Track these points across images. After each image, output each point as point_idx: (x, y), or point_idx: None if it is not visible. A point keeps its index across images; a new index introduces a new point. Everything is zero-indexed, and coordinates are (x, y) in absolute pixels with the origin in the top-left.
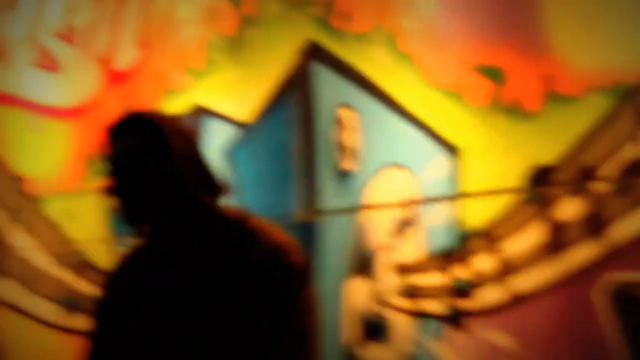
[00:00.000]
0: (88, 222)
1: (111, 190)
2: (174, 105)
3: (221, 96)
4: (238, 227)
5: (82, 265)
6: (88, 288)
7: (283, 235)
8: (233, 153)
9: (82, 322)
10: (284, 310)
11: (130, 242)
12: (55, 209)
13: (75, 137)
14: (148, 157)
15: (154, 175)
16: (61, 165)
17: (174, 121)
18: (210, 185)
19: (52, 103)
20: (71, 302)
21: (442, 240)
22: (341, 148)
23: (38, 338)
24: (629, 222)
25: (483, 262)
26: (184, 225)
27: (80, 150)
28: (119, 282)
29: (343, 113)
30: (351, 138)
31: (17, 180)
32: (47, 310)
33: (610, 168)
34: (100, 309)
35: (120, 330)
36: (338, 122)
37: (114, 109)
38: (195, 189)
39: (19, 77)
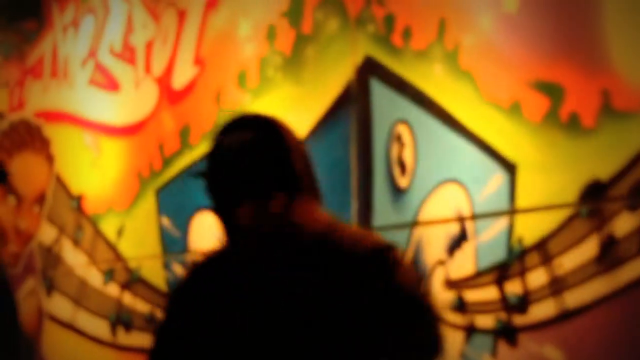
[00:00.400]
0: (141, 239)
1: (211, 186)
2: None
3: (277, 113)
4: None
5: (134, 282)
6: (140, 305)
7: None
8: None
9: (133, 339)
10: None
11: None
12: (108, 226)
13: (130, 155)
14: (265, 150)
15: (268, 170)
16: (115, 182)
17: (285, 124)
18: (317, 189)
19: (109, 121)
20: (123, 319)
21: (497, 256)
22: (398, 164)
23: (89, 355)
24: None
25: (537, 277)
26: (276, 232)
27: (135, 168)
28: (194, 295)
29: (400, 129)
30: (408, 154)
31: (73, 197)
32: (99, 327)
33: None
34: (176, 326)
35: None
36: (395, 139)
37: (170, 128)
38: (307, 189)
39: (78, 96)
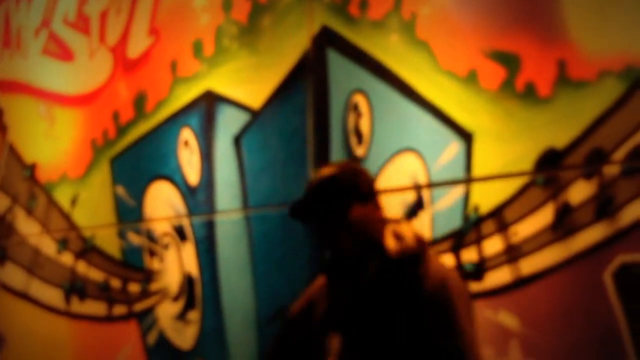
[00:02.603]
0: (95, 208)
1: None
2: (186, 92)
3: (233, 83)
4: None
5: (89, 251)
6: (94, 274)
7: (442, 267)
8: (244, 139)
9: (87, 307)
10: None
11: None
12: (62, 195)
13: (84, 124)
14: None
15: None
16: (69, 151)
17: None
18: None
19: (63, 91)
20: (77, 288)
21: (453, 224)
22: (355, 134)
23: (43, 324)
24: (638, 205)
25: (493, 245)
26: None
27: (89, 136)
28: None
29: (357, 99)
30: (365, 124)
31: (26, 166)
32: (53, 296)
33: (622, 152)
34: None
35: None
36: (352, 108)
37: (125, 97)
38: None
39: (31, 66)
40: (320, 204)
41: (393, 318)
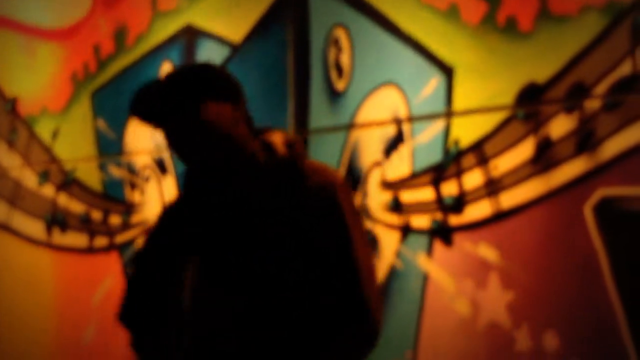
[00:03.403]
0: (76, 142)
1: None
2: (166, 26)
3: (214, 17)
4: (289, 168)
5: (70, 184)
6: (75, 206)
7: (327, 172)
8: None
9: (67, 239)
10: (339, 243)
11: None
12: (43, 129)
13: (64, 57)
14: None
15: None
16: (50, 85)
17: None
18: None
19: (43, 25)
20: (58, 220)
21: (433, 158)
22: (335, 68)
23: (24, 255)
24: (618, 139)
25: (473, 179)
26: (242, 166)
27: (69, 70)
28: (171, 225)
29: (338, 33)
30: (345, 58)
31: (7, 100)
32: (34, 227)
33: (603, 86)
34: (148, 254)
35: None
36: (333, 42)
37: (105, 31)
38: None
39: (11, 0)
40: (171, 100)
41: (268, 234)
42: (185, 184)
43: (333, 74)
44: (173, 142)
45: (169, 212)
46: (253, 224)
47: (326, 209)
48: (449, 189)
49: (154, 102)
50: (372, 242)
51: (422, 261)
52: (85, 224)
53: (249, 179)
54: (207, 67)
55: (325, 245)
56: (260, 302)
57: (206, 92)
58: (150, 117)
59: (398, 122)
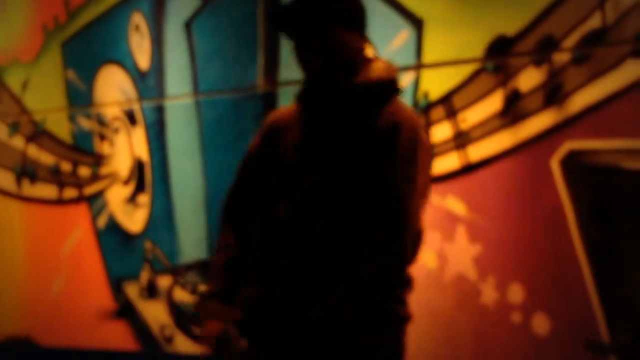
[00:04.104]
0: (46, 92)
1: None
2: None
3: None
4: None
5: (40, 135)
6: (45, 157)
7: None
8: (195, 24)
9: (37, 190)
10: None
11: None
12: (13, 79)
13: (34, 7)
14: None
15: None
16: (20, 35)
17: None
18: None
19: None
20: (28, 171)
21: None
22: None
23: None
24: (586, 92)
25: (442, 131)
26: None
27: (39, 20)
28: (275, 137)
29: None
30: None
31: None
32: (4, 179)
33: (572, 39)
34: (254, 159)
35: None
36: None
37: None
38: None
39: None
40: (305, 16)
41: (350, 151)
42: (299, 96)
43: None
44: (300, 57)
45: (278, 118)
46: (340, 141)
47: (409, 141)
48: None
49: (291, 15)
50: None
51: None
52: (55, 176)
53: (350, 100)
54: None
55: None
56: (325, 211)
57: (339, 19)
58: (285, 29)
59: None
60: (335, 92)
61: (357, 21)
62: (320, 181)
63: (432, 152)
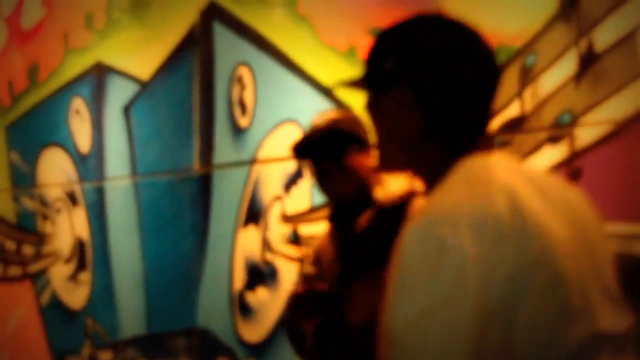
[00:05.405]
0: None
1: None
2: (77, 63)
3: (123, 54)
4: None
5: None
6: None
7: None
8: (133, 108)
9: None
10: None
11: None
12: None
13: None
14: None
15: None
16: None
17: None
18: None
19: None
20: None
21: None
22: (239, 105)
23: None
24: None
25: None
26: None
27: None
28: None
29: (241, 71)
30: (249, 95)
31: None
32: None
33: (494, 125)
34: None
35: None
36: (236, 80)
37: (18, 66)
38: None
39: None
40: (323, 145)
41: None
42: (332, 215)
43: (237, 110)
44: (319, 180)
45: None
46: (362, 259)
47: None
48: None
49: (310, 146)
50: (271, 274)
51: None
52: (0, 253)
53: (367, 218)
54: (355, 120)
55: None
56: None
57: (353, 143)
58: (305, 157)
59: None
60: (357, 214)
61: (366, 141)
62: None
63: None
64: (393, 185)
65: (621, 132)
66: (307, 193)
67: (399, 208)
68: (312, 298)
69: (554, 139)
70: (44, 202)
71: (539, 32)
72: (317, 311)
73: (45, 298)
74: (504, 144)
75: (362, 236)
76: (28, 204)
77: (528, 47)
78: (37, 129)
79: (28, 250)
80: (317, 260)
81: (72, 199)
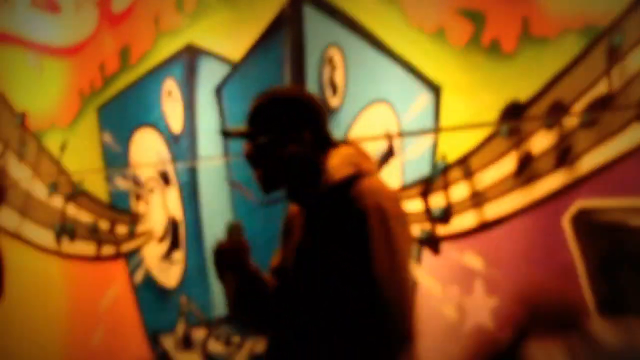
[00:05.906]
0: (83, 154)
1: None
2: (168, 46)
3: (214, 36)
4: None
5: (78, 195)
6: (83, 216)
7: (368, 197)
8: (225, 89)
9: (76, 248)
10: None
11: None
12: (52, 142)
13: (71, 74)
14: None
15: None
16: (58, 100)
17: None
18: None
19: (50, 42)
20: (67, 229)
21: (422, 171)
22: (330, 86)
23: (35, 263)
24: (594, 154)
25: (459, 191)
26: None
27: (76, 86)
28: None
29: (332, 52)
30: (339, 76)
31: (17, 114)
32: (44, 236)
33: (581, 104)
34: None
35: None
36: (327, 61)
37: (110, 49)
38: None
39: (20, 18)
40: (267, 126)
41: (312, 252)
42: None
43: (328, 91)
44: (250, 164)
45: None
46: (303, 242)
47: (355, 235)
48: (437, 201)
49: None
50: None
51: (412, 268)
52: (93, 233)
53: (307, 201)
54: (310, 98)
55: (353, 268)
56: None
57: (286, 136)
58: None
59: (389, 137)
60: (303, 198)
61: (305, 125)
62: (306, 277)
63: (393, 224)
64: (334, 168)
65: None
66: (399, 171)
67: (340, 187)
68: (216, 254)
69: None
70: (137, 182)
71: (625, 11)
72: (223, 267)
73: (138, 277)
74: (591, 123)
75: (309, 217)
76: (121, 184)
77: (614, 26)
78: (129, 110)
79: (121, 229)
80: (289, 224)
81: (165, 178)
